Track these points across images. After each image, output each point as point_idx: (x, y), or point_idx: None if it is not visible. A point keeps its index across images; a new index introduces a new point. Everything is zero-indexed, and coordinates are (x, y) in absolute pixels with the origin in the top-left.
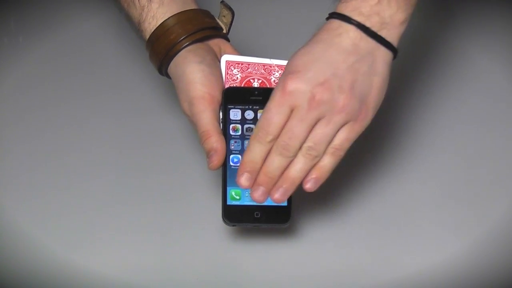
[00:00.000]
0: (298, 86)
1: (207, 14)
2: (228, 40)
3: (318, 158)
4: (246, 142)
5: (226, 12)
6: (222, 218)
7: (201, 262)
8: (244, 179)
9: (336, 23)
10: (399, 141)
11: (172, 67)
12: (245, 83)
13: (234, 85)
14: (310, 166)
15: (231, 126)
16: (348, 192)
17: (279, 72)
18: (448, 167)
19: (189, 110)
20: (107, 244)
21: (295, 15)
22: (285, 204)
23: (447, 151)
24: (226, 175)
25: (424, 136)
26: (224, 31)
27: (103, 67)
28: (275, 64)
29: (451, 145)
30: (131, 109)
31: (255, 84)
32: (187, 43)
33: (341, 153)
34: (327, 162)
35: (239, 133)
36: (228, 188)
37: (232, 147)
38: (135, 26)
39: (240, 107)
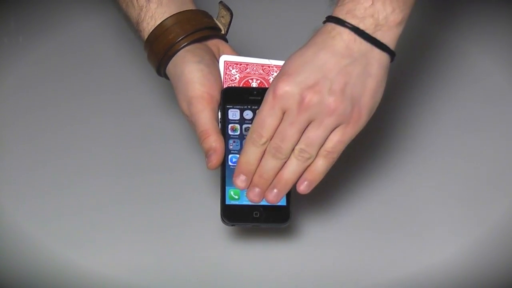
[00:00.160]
0: (288, 89)
1: (205, 15)
2: (226, 40)
3: (311, 160)
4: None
5: (224, 12)
6: (221, 218)
7: (200, 262)
8: (240, 181)
9: (330, 26)
10: (398, 141)
11: (171, 67)
12: (244, 83)
13: (233, 85)
14: (303, 168)
15: (229, 126)
16: (348, 192)
17: (278, 72)
18: (448, 167)
19: (187, 109)
20: (107, 244)
21: (294, 16)
22: (284, 204)
23: (447, 151)
24: (224, 174)
25: (424, 136)
26: (223, 32)
27: (103, 67)
28: (274, 65)
29: (451, 145)
30: (131, 109)
31: (254, 84)
32: (186, 43)
33: (335, 156)
34: (320, 165)
35: (238, 133)
36: (227, 188)
37: (231, 147)
38: (133, 26)
39: (238, 107)
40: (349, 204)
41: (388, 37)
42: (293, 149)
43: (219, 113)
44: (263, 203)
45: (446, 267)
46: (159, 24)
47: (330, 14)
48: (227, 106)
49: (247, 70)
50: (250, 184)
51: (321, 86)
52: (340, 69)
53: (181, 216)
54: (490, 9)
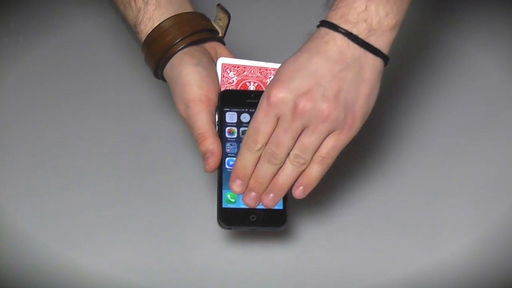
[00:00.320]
0: (281, 96)
1: (203, 17)
2: (224, 43)
3: (305, 165)
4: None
5: (222, 15)
6: (218, 221)
7: (199, 262)
8: (236, 185)
9: (323, 31)
10: (398, 141)
11: (168, 69)
12: (241, 86)
13: (230, 88)
14: (298, 173)
15: (227, 129)
16: (345, 193)
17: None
18: (446, 167)
19: (185, 112)
20: (106, 244)
21: (291, 19)
22: (280, 207)
23: (445, 151)
24: (221, 177)
25: (422, 136)
26: (220, 35)
27: (103, 67)
28: (271, 68)
29: (449, 145)
30: (130, 109)
31: (251, 87)
32: (184, 45)
33: (329, 161)
34: (315, 171)
35: (235, 136)
36: (223, 191)
37: (228, 150)
38: (131, 28)
39: (236, 110)
40: (346, 204)
41: (382, 42)
42: (288, 155)
43: (217, 116)
44: (260, 206)
45: (446, 267)
46: (157, 26)
47: (323, 19)
48: (225, 109)
49: (245, 73)
50: (246, 189)
51: (315, 92)
52: (334, 75)
53: (181, 216)
54: (489, 9)
